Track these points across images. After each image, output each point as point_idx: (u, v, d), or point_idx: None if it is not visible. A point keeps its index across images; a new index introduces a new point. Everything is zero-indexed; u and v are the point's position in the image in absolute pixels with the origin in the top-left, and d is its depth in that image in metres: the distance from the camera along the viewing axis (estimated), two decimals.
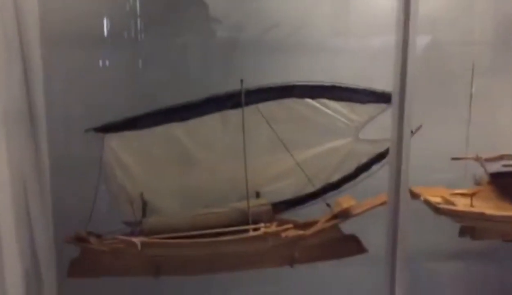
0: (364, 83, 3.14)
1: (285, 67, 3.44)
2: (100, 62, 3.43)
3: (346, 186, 3.15)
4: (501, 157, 3.26)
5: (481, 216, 3.01)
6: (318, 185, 3.10)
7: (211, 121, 2.98)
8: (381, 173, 3.11)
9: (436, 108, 3.69)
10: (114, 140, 2.99)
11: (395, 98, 1.83)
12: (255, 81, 3.07)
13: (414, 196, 3.25)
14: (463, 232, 3.20)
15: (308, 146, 3.05)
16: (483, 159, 3.37)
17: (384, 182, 3.02)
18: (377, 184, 3.11)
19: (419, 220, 3.31)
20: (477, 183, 3.44)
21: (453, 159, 3.42)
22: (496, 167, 3.42)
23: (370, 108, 2.96)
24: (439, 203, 3.17)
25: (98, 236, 2.95)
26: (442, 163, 3.41)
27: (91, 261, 2.90)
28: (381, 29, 3.39)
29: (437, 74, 3.72)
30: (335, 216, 2.97)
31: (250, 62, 3.44)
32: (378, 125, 3.25)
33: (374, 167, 3.07)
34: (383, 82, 2.92)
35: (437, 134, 3.67)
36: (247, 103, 2.93)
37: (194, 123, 2.98)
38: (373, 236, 2.72)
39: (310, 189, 3.11)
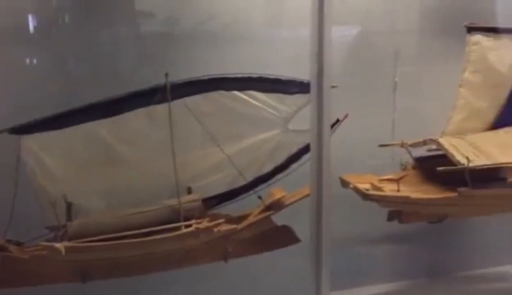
0: (295, 74, 3.14)
1: (218, 59, 3.39)
2: (27, 60, 3.26)
3: (278, 176, 3.17)
4: (424, 142, 3.38)
5: (407, 200, 3.11)
6: (250, 177, 3.08)
7: (136, 118, 2.88)
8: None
9: (365, 97, 3.80)
10: (32, 141, 2.82)
11: (313, 89, 1.83)
12: (188, 74, 2.99)
13: (344, 183, 3.32)
14: (391, 216, 3.31)
15: (238, 139, 3.02)
16: (408, 144, 3.50)
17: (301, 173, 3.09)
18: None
19: (352, 207, 3.44)
20: (404, 168, 3.57)
21: (380, 145, 3.52)
22: (422, 152, 3.58)
23: (298, 99, 2.96)
24: (367, 190, 3.25)
25: (19, 244, 2.78)
26: (372, 149, 3.52)
27: (12, 270, 2.73)
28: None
29: (366, 63, 3.83)
30: (267, 208, 2.97)
31: (183, 55, 3.37)
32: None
33: (305, 157, 3.09)
34: None
35: (367, 122, 3.76)
36: (173, 98, 2.86)
37: (119, 120, 2.86)
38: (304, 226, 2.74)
39: (242, 182, 3.09)
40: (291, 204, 2.99)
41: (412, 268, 3.97)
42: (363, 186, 3.21)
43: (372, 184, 3.28)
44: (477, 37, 3.42)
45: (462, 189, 3.08)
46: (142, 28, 3.45)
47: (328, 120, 1.88)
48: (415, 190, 3.28)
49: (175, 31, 3.42)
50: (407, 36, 3.92)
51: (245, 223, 2.92)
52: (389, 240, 3.94)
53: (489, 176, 3.24)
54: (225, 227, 2.85)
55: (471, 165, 3.02)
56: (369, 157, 3.67)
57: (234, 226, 2.88)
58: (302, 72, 3.34)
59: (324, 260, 1.80)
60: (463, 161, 3.05)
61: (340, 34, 3.84)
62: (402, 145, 3.49)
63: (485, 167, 3.03)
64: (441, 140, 3.26)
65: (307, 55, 3.20)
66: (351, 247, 3.84)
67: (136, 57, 3.46)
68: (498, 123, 3.57)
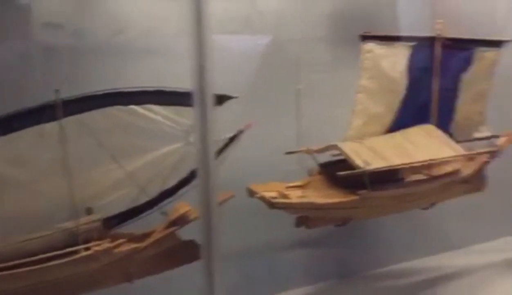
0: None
1: (118, 73, 3.29)
2: None
3: (183, 190, 3.11)
4: (327, 148, 3.49)
5: (312, 206, 3.19)
6: (154, 192, 3.00)
7: (26, 137, 2.70)
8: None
9: (272, 105, 3.85)
10: None
11: (196, 99, 1.82)
12: (93, 89, 2.85)
13: (251, 193, 3.34)
14: (298, 222, 3.36)
15: (139, 154, 2.91)
16: (314, 150, 3.59)
17: (223, 181, 3.09)
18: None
19: (262, 216, 3.46)
20: (310, 174, 3.66)
21: (287, 153, 3.59)
22: (328, 157, 3.67)
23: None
24: (274, 198, 3.29)
25: None
26: (281, 157, 3.55)
27: None
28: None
29: (274, 71, 3.88)
30: (172, 223, 2.90)
31: (88, 69, 3.25)
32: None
33: None
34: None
35: (276, 130, 3.82)
36: (66, 114, 2.71)
37: (6, 141, 2.67)
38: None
39: (146, 198, 3.00)
40: (196, 218, 2.95)
41: (323, 270, 4.07)
42: (269, 195, 3.24)
43: (279, 192, 3.32)
44: (370, 45, 3.59)
45: (362, 192, 3.21)
46: (48, 41, 3.25)
47: (212, 131, 1.86)
48: (321, 195, 3.37)
49: (81, 44, 3.28)
50: (313, 43, 4.01)
51: (149, 241, 2.83)
52: (300, 244, 4.02)
53: (388, 178, 3.42)
54: (126, 247, 2.74)
55: (368, 168, 3.16)
56: (278, 164, 3.71)
57: (136, 245, 2.78)
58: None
59: (216, 274, 1.77)
60: (362, 164, 3.18)
61: (254, 43, 3.92)
62: (308, 151, 3.58)
63: (382, 169, 3.18)
64: (342, 145, 3.37)
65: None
66: (264, 254, 3.88)
67: (39, 72, 3.26)
68: (395, 127, 3.76)
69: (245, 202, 3.33)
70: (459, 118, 3.88)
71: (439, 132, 3.55)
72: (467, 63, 3.74)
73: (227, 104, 3.06)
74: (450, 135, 3.93)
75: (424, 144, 3.42)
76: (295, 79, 3.78)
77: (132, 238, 2.85)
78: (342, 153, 3.32)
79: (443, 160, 3.36)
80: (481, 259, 4.58)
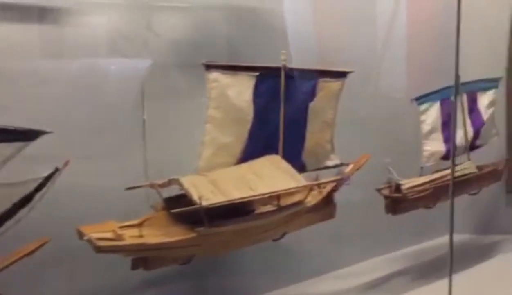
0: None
1: None
2: None
3: None
4: (169, 182, 3.29)
5: (144, 247, 2.95)
6: None
7: None
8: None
9: (115, 137, 3.61)
10: None
11: None
12: None
13: (80, 235, 3.03)
14: (135, 264, 3.08)
15: None
16: (158, 185, 3.38)
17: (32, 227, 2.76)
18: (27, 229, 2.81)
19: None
20: (156, 209, 3.43)
21: (128, 188, 3.34)
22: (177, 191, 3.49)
23: (3, 148, 2.61)
24: (107, 239, 3.02)
25: None
26: (125, 193, 3.30)
27: None
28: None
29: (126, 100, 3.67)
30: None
31: None
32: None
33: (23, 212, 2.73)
34: None
35: (119, 165, 3.59)
36: None
37: None
38: None
39: None
40: (5, 267, 2.61)
41: None
42: (100, 236, 2.96)
43: (114, 232, 3.06)
44: (215, 75, 3.48)
45: (199, 229, 3.04)
46: None
47: None
48: (160, 233, 3.14)
49: None
50: (163, 70, 3.85)
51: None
52: (152, 283, 3.77)
53: (233, 211, 3.30)
54: None
55: (205, 203, 3.01)
56: (120, 201, 3.47)
57: None
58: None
59: None
60: (199, 200, 3.02)
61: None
62: (152, 186, 3.37)
63: (218, 204, 3.04)
64: (182, 179, 3.19)
65: None
66: None
67: None
68: (245, 157, 3.66)
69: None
70: (309, 147, 3.90)
71: (284, 163, 3.51)
72: (312, 93, 3.79)
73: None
74: (303, 164, 3.97)
75: (267, 176, 3.35)
76: (141, 109, 3.63)
77: None
78: (181, 187, 3.14)
79: (283, 192, 3.31)
80: (345, 283, 4.64)
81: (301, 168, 3.86)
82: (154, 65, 3.71)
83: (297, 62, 3.80)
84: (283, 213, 3.40)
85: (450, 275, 3.62)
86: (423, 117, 4.67)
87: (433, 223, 4.96)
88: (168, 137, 3.74)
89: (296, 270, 4.57)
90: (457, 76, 3.36)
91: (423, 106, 4.65)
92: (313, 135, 3.87)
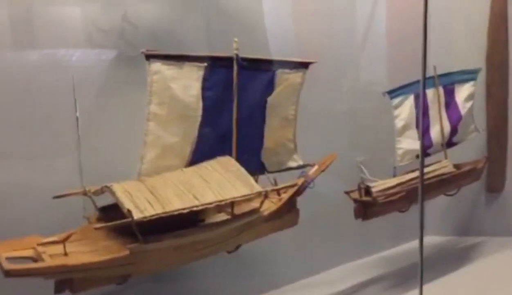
0: None
1: None
2: None
3: None
4: (102, 189, 2.84)
5: (64, 268, 2.50)
6: None
7: None
8: None
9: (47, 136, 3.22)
10: None
11: None
12: None
13: None
14: (58, 287, 2.59)
15: None
16: (91, 192, 2.94)
17: None
18: None
19: None
20: (89, 220, 2.99)
21: (56, 197, 2.89)
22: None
23: None
24: (24, 258, 2.58)
25: None
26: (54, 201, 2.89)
27: None
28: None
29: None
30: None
31: None
32: None
33: None
34: None
35: (50, 167, 3.19)
36: None
37: None
38: None
39: None
40: None
41: None
42: (12, 255, 2.50)
43: (33, 250, 2.61)
44: (157, 66, 3.02)
45: (132, 246, 2.60)
46: None
47: None
48: (89, 250, 2.70)
49: None
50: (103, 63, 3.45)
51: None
52: None
53: (180, 221, 2.87)
54: None
55: (137, 216, 2.57)
56: (48, 210, 3.04)
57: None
58: None
59: None
60: (132, 211, 2.57)
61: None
62: (85, 193, 2.93)
63: (153, 217, 2.60)
64: (115, 186, 2.73)
65: None
66: None
67: None
68: (195, 159, 3.22)
69: None
70: (269, 146, 3.48)
71: (236, 166, 3.07)
72: (270, 85, 3.36)
73: None
74: (262, 165, 3.57)
75: (216, 181, 2.92)
76: (74, 106, 3.19)
77: None
78: (113, 195, 2.69)
79: (232, 200, 2.86)
80: (312, 293, 4.30)
81: (259, 169, 3.47)
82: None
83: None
84: (235, 223, 2.97)
85: (421, 286, 3.24)
86: (396, 112, 4.30)
87: (407, 225, 4.59)
88: (115, 137, 3.33)
89: (260, 280, 4.23)
90: (424, 66, 2.99)
91: (396, 100, 4.26)
92: (273, 133, 3.45)
